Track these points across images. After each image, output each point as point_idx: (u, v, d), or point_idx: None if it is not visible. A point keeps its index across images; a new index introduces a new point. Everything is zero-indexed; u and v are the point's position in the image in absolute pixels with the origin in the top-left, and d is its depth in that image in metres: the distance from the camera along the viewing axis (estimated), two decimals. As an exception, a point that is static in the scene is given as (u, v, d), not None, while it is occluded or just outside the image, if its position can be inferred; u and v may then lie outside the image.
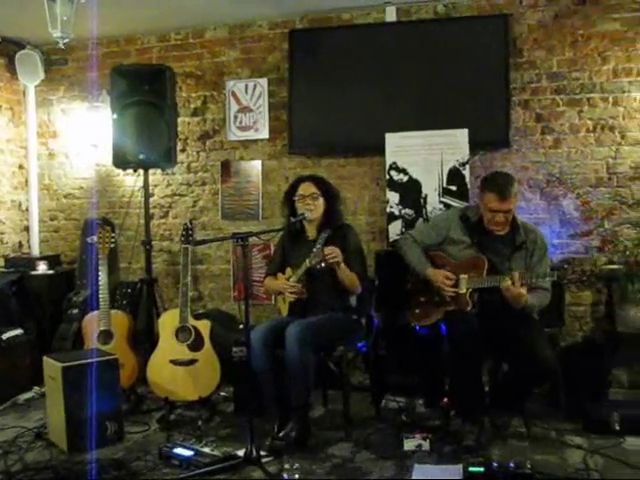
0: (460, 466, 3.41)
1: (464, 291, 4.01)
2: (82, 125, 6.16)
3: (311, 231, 4.34)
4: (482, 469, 3.29)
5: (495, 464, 3.30)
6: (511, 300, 3.85)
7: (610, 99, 4.97)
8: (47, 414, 4.22)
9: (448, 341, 3.91)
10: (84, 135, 6.15)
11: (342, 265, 4.07)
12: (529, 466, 3.25)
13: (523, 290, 3.81)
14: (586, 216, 4.96)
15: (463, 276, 4.03)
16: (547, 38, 5.07)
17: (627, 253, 4.70)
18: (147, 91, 5.12)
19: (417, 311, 4.22)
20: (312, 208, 4.24)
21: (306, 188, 4.28)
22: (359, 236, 4.49)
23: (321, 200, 4.28)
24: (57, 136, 6.29)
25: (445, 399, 4.18)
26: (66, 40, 4.57)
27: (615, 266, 4.74)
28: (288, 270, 4.34)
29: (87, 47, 5.98)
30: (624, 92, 4.93)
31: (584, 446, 3.80)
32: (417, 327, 4.21)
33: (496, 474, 3.25)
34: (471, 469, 3.30)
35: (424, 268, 4.16)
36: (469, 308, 3.99)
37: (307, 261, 4.04)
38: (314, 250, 4.04)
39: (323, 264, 4.01)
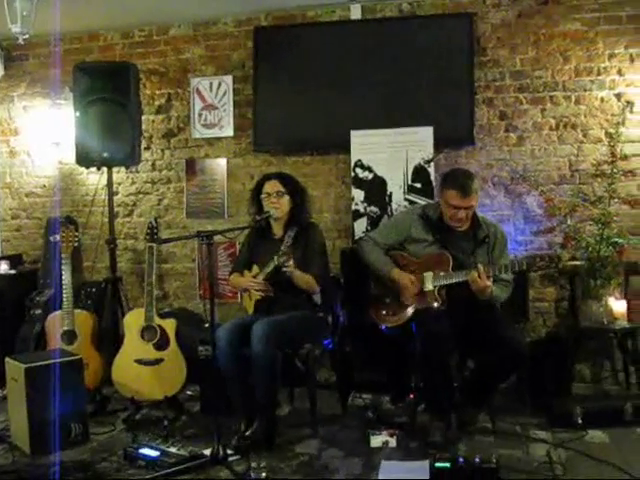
0: (427, 462, 3.42)
1: (431, 288, 4.03)
2: (44, 122, 6.03)
3: (277, 229, 4.34)
4: (448, 465, 3.30)
5: (461, 459, 3.31)
6: (478, 292, 3.89)
7: (572, 97, 5.03)
8: (9, 416, 4.15)
9: (420, 340, 3.89)
10: (46, 133, 6.03)
11: (296, 272, 4.08)
12: (494, 460, 3.27)
13: (489, 282, 3.86)
14: (549, 213, 5.02)
15: (427, 273, 4.04)
16: (510, 37, 5.12)
17: (589, 249, 4.76)
18: (110, 88, 5.04)
19: (384, 312, 4.20)
20: (278, 206, 4.24)
21: (272, 186, 4.27)
22: (324, 234, 4.48)
23: (287, 198, 4.27)
24: (18, 134, 6.18)
25: (411, 395, 4.20)
26: (26, 36, 4.50)
27: (578, 262, 4.79)
28: (255, 268, 4.32)
29: (49, 43, 5.85)
30: (586, 91, 5.00)
31: (548, 440, 3.85)
32: (384, 328, 4.18)
33: (462, 469, 3.27)
34: (437, 465, 3.31)
35: (389, 269, 4.16)
36: (438, 305, 4.00)
37: (275, 259, 4.01)
38: (282, 249, 4.04)
39: (287, 265, 4.00)
